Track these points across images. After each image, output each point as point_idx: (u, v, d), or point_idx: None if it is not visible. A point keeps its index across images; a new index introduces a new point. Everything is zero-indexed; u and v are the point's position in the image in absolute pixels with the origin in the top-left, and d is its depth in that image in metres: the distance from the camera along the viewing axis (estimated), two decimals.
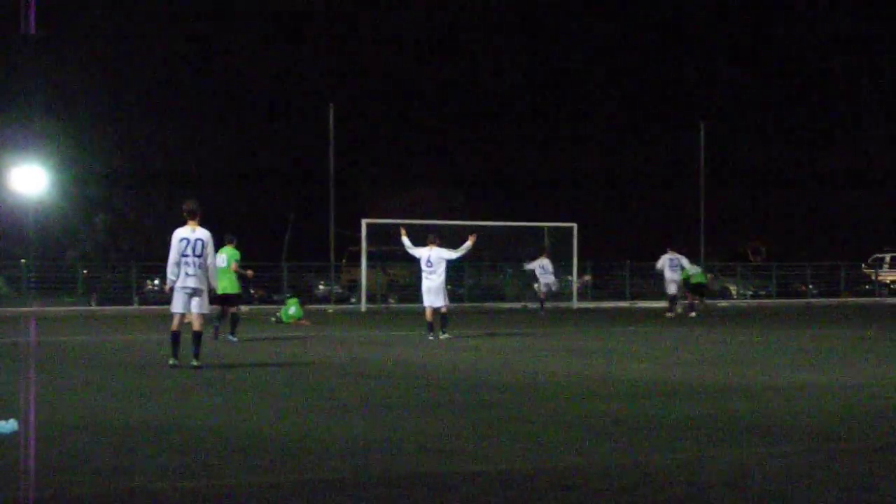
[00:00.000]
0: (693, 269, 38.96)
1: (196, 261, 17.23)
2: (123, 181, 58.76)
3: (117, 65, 66.57)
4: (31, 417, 11.23)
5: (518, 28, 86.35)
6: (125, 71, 67.05)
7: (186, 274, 17.22)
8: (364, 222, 43.64)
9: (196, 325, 17.36)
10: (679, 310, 37.90)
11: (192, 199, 17.59)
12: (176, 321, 17.32)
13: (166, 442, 10.33)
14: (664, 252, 38.09)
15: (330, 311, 41.55)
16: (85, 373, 16.98)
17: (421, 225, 48.29)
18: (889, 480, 8.83)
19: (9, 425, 10.65)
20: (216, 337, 23.75)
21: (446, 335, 24.71)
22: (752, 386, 15.08)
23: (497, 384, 15.33)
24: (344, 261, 50.57)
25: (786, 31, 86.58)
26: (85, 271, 48.75)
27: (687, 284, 38.72)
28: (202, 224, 17.48)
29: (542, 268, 40.45)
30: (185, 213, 17.49)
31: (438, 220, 50.65)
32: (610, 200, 76.61)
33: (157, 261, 48.81)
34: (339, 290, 48.81)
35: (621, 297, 51.07)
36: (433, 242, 25.68)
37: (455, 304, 45.47)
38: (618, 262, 54.06)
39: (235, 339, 23.77)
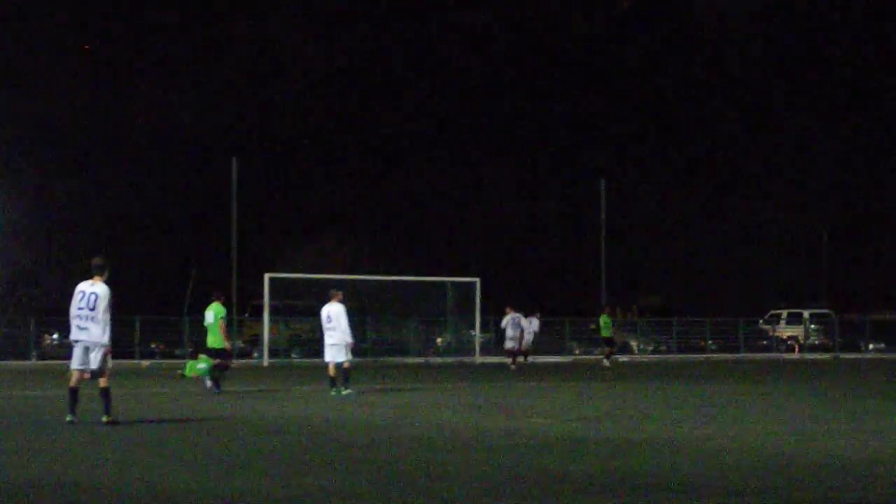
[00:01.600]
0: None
1: (89, 314, 17.03)
2: (21, 233, 57.88)
3: (14, 113, 65.71)
4: None
5: (423, 74, 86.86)
6: (22, 119, 66.20)
7: (79, 328, 17.07)
8: (267, 276, 43.43)
9: (102, 382, 17.09)
10: (515, 365, 40.33)
11: (100, 255, 17.55)
12: (74, 377, 17.08)
13: (60, 500, 10.15)
14: (533, 311, 44.17)
15: (233, 365, 41.11)
16: None
17: (325, 280, 48.25)
18: None
19: None
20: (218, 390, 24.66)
21: (348, 391, 24.61)
22: (653, 441, 15.19)
23: (399, 439, 15.28)
24: (247, 315, 50.21)
25: (685, 83, 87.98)
26: None
27: (601, 337, 43.40)
28: (108, 280, 17.34)
29: (513, 322, 41.84)
30: (92, 268, 17.37)
31: (343, 274, 50.63)
32: (513, 254, 77.05)
33: (56, 314, 48.15)
34: (242, 345, 48.41)
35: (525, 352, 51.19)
36: (335, 297, 25.65)
37: (358, 359, 45.36)
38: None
39: (218, 391, 24.62)
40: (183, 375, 31.44)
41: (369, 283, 49.98)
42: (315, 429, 16.93)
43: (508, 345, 41.56)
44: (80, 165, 69.39)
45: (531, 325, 43.38)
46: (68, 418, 16.97)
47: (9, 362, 42.54)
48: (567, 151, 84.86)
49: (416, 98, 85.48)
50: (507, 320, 41.86)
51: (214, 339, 25.37)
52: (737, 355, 54.30)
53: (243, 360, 44.51)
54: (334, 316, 25.32)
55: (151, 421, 17.98)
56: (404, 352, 49.44)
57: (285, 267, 53.37)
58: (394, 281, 49.75)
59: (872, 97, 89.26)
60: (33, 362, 43.07)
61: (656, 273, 77.93)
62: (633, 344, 56.37)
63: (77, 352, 17.11)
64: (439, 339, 52.24)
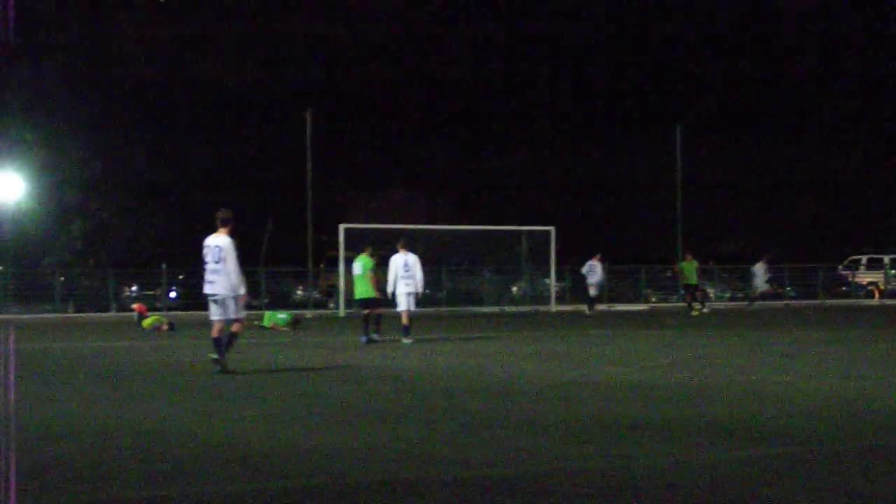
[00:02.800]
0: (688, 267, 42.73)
1: (215, 267, 17.51)
2: (100, 188, 58.54)
3: (94, 71, 66.31)
4: (10, 425, 11.21)
5: (495, 31, 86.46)
6: (102, 77, 66.78)
7: (208, 282, 17.66)
8: (342, 227, 43.61)
9: (214, 332, 17.69)
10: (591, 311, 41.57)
11: (225, 209, 17.86)
12: (215, 328, 17.70)
13: (145, 449, 10.32)
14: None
15: (308, 316, 41.49)
16: (64, 380, 16.93)
17: (399, 230, 48.41)
18: (870, 482, 8.87)
19: None
20: (368, 341, 25.03)
21: (409, 340, 24.99)
22: (729, 388, 15.12)
23: (475, 389, 15.34)
24: (322, 266, 50.52)
25: (767, 31, 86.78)
26: (62, 278, 48.58)
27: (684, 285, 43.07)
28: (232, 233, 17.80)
29: (590, 269, 42.50)
30: (217, 221, 17.82)
31: (417, 224, 50.78)
32: (587, 203, 76.73)
33: (134, 267, 48.83)
34: (318, 296, 48.75)
35: (599, 301, 51.12)
36: (404, 247, 25.86)
37: (433, 309, 45.52)
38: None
39: (379, 339, 25.20)
40: (261, 326, 31.93)
41: (444, 233, 50.04)
42: (392, 378, 17.04)
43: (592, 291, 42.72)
44: (156, 120, 69.94)
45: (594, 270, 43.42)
46: (211, 355, 17.60)
47: (90, 314, 43.21)
48: (643, 98, 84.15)
49: (489, 48, 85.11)
50: (587, 267, 43.03)
51: (364, 290, 25.79)
52: (816, 302, 53.77)
53: (320, 311, 44.82)
54: (412, 264, 25.69)
55: (234, 371, 18.14)
56: (480, 301, 49.52)
57: (359, 218, 53.51)
58: (469, 230, 49.75)
59: None
60: (113, 314, 43.71)
61: (734, 220, 77.30)
62: (710, 292, 55.96)
63: (212, 305, 17.68)
64: (514, 289, 52.23)
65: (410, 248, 26.17)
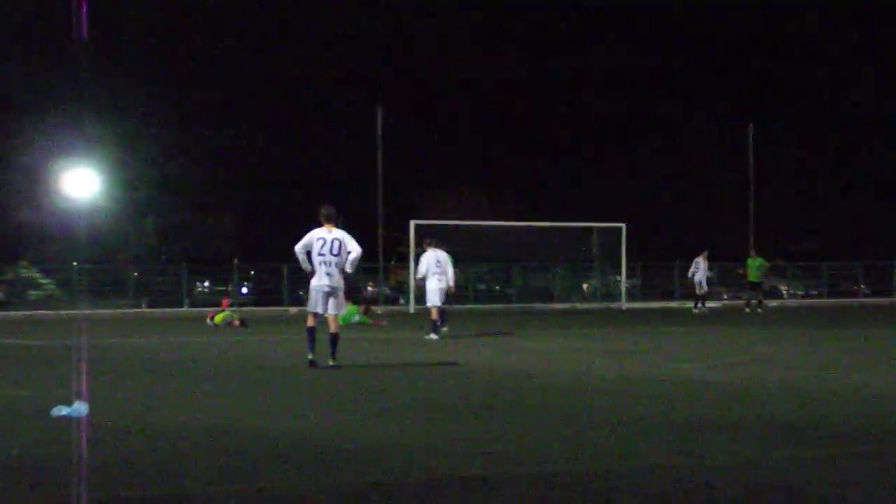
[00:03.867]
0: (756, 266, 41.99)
1: (333, 260, 17.62)
2: (172, 184, 59.13)
3: (167, 69, 67.00)
4: (84, 420, 11.32)
5: (562, 28, 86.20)
6: (175, 75, 67.46)
7: (327, 274, 17.64)
8: (412, 223, 43.66)
9: (332, 327, 17.79)
10: (697, 309, 40.37)
11: (329, 205, 18.12)
12: (311, 319, 17.76)
13: (217, 445, 10.37)
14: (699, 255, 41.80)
15: (379, 312, 41.61)
16: (136, 375, 17.08)
17: (469, 226, 48.40)
18: None
19: (80, 408, 11.01)
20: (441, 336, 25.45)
21: (434, 336, 25.31)
22: (803, 387, 14.95)
23: (544, 386, 15.28)
24: (393, 262, 50.66)
25: (832, 22, 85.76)
26: (135, 274, 49.12)
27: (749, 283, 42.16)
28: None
29: (696, 266, 41.64)
30: (321, 218, 18.02)
31: (485, 220, 50.68)
32: (657, 200, 76.24)
33: (206, 263, 49.28)
34: (389, 292, 48.90)
35: (670, 297, 50.85)
36: (431, 245, 26.46)
37: (503, 306, 45.49)
38: (666, 262, 53.84)
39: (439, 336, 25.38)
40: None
41: (514, 230, 49.99)
42: (464, 375, 17.02)
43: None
44: (228, 118, 70.48)
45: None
46: (309, 357, 17.63)
47: (163, 310, 43.65)
48: (715, 95, 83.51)
49: (557, 45, 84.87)
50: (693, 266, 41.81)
51: None
52: (891, 300, 53.06)
53: (391, 307, 44.94)
54: (444, 260, 26.19)
55: (300, 366, 18.19)
56: (550, 298, 49.40)
57: (429, 215, 53.59)
58: (539, 227, 49.65)
59: None
60: (186, 309, 44.11)
61: (808, 218, 76.45)
62: (783, 288, 55.45)
63: (317, 296, 17.69)
64: (585, 285, 52.07)
65: (439, 247, 26.54)
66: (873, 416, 12.24)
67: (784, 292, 55.24)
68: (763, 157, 62.87)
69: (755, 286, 42.12)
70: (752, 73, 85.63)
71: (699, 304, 40.75)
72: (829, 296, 54.25)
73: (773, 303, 49.69)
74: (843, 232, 73.80)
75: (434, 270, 26.04)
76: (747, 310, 40.75)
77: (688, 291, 49.99)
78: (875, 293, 55.52)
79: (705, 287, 41.03)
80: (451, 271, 26.30)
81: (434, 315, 25.88)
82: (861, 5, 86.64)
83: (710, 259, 42.39)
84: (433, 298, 26.01)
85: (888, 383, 15.48)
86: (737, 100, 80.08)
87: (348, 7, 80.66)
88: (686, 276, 43.75)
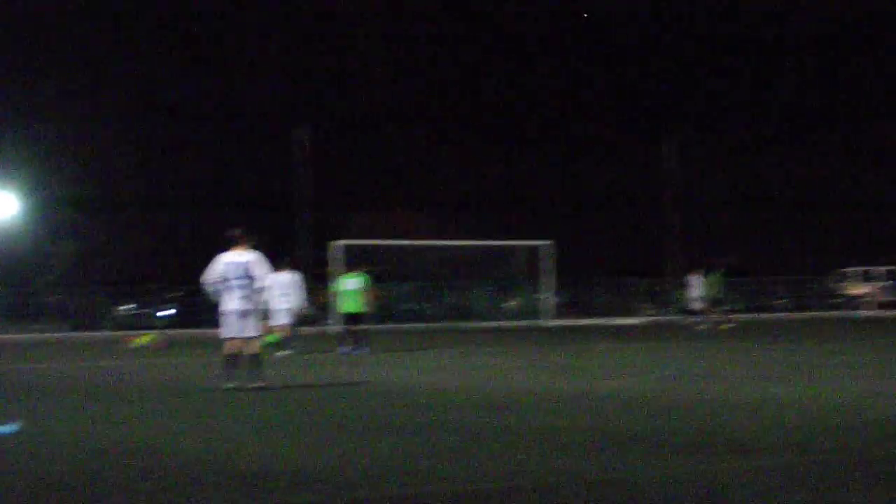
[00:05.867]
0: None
1: (246, 282, 17.60)
2: (91, 206, 58.53)
3: (85, 89, 66.34)
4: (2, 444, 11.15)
5: (490, 46, 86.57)
6: (93, 95, 66.81)
7: (241, 297, 17.58)
8: (335, 244, 43.54)
9: (252, 349, 17.71)
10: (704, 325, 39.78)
11: (237, 228, 18.06)
12: (229, 345, 17.67)
13: (140, 468, 10.24)
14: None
15: (303, 332, 41.38)
16: (55, 400, 16.83)
17: (396, 246, 48.40)
18: (860, 492, 8.83)
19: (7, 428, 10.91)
20: (353, 352, 27.26)
21: (286, 352, 26.59)
22: (724, 400, 15.08)
23: (474, 403, 15.28)
24: (318, 284, 50.44)
25: (753, 38, 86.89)
26: (54, 297, 48.47)
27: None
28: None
29: (687, 283, 41.68)
30: (230, 241, 17.91)
31: (412, 240, 50.74)
32: (579, 217, 76.72)
33: (127, 285, 48.74)
34: (313, 313, 48.65)
35: (595, 314, 51.15)
36: (286, 266, 27.42)
37: (427, 325, 45.50)
38: (590, 278, 54.28)
39: (347, 350, 27.27)
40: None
41: (440, 249, 50.06)
42: (389, 393, 16.97)
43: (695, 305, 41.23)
44: (148, 139, 69.96)
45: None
46: (231, 384, 17.43)
47: (83, 333, 43.11)
48: (636, 111, 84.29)
49: (480, 62, 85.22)
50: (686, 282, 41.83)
51: (353, 305, 28.59)
52: (809, 314, 53.77)
53: (316, 328, 44.72)
54: (294, 283, 27.53)
55: (218, 388, 18.05)
56: (476, 316, 49.48)
57: (357, 235, 53.49)
58: (465, 245, 49.77)
59: None
60: (106, 332, 43.60)
61: (730, 234, 77.31)
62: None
63: (233, 320, 17.57)
64: (511, 303, 52.22)
65: (293, 268, 27.95)
66: (789, 427, 12.37)
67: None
68: (684, 172, 63.61)
69: (717, 302, 41.65)
70: (673, 87, 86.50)
71: (699, 319, 40.44)
72: (749, 311, 54.84)
73: (694, 318, 50.12)
74: (765, 247, 74.73)
75: (282, 291, 26.76)
76: (722, 326, 40.18)
77: (609, 307, 50.38)
78: (794, 308, 56.24)
79: (702, 303, 40.86)
80: (298, 292, 27.59)
81: (281, 333, 26.90)
82: (779, 22, 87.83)
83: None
84: (279, 318, 26.87)
85: (804, 395, 15.67)
86: (657, 114, 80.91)
87: (276, 24, 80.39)
88: (612, 292, 44.10)
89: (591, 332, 39.23)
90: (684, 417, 13.33)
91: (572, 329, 41.75)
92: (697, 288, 40.59)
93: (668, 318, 50.59)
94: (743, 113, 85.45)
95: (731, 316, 41.51)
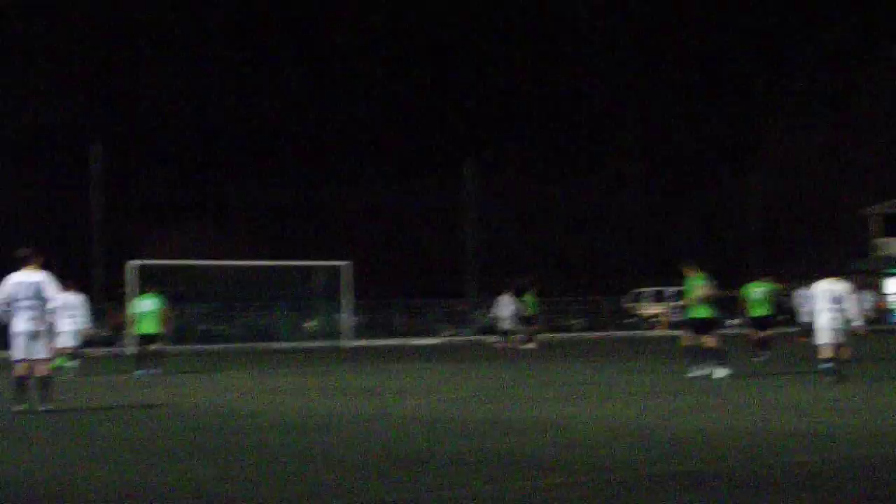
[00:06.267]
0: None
1: (35, 303, 17.09)
2: None
3: None
4: None
5: (291, 64, 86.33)
6: None
7: (30, 318, 17.06)
8: (130, 265, 42.76)
9: (41, 371, 17.21)
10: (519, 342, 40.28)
11: (26, 247, 17.49)
12: (18, 367, 17.14)
13: None
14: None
15: (90, 354, 40.54)
16: None
17: (192, 266, 47.74)
18: None
19: None
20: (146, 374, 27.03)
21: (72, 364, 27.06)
22: (520, 420, 15.34)
23: (270, 425, 15.22)
24: (112, 303, 49.41)
25: (549, 66, 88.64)
26: None
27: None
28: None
29: (497, 304, 41.47)
30: (20, 261, 17.36)
31: (209, 260, 50.16)
32: (378, 237, 77.02)
33: None
34: (106, 334, 47.64)
35: (394, 335, 51.37)
36: (71, 288, 27.24)
37: (225, 346, 45.00)
38: (390, 299, 54.53)
39: (143, 373, 27.21)
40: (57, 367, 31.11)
41: (239, 269, 49.59)
42: (184, 416, 16.77)
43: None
44: None
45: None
46: (20, 407, 16.94)
47: None
48: (436, 135, 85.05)
49: (280, 82, 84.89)
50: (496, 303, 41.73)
51: (148, 326, 28.39)
52: (603, 334, 55.00)
53: (108, 349, 43.79)
54: (80, 304, 27.76)
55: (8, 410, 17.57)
56: (274, 337, 49.13)
57: (152, 255, 52.65)
58: (262, 266, 49.43)
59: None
60: None
61: (528, 254, 78.56)
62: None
63: (22, 342, 17.06)
64: (308, 324, 52.02)
65: (78, 289, 28.02)
66: (585, 446, 12.67)
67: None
68: (482, 195, 64.47)
69: (530, 320, 42.01)
70: (472, 113, 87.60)
71: (503, 337, 40.54)
72: (548, 331, 55.77)
73: (493, 338, 50.76)
74: (561, 268, 76.15)
75: (69, 313, 26.51)
76: (530, 345, 40.39)
77: (407, 328, 50.59)
78: (588, 328, 57.44)
79: (511, 323, 40.88)
80: (85, 314, 27.82)
81: (68, 351, 27.08)
82: (563, 46, 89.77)
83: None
84: (64, 340, 26.45)
85: (598, 414, 16.05)
86: (456, 139, 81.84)
87: (74, 41, 78.59)
88: (412, 312, 44.28)
89: (390, 352, 39.37)
90: (479, 437, 13.51)
91: (372, 350, 41.84)
92: (507, 308, 40.90)
93: (467, 338, 51.14)
94: (539, 139, 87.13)
95: (537, 336, 42.06)
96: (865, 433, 13.31)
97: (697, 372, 22.72)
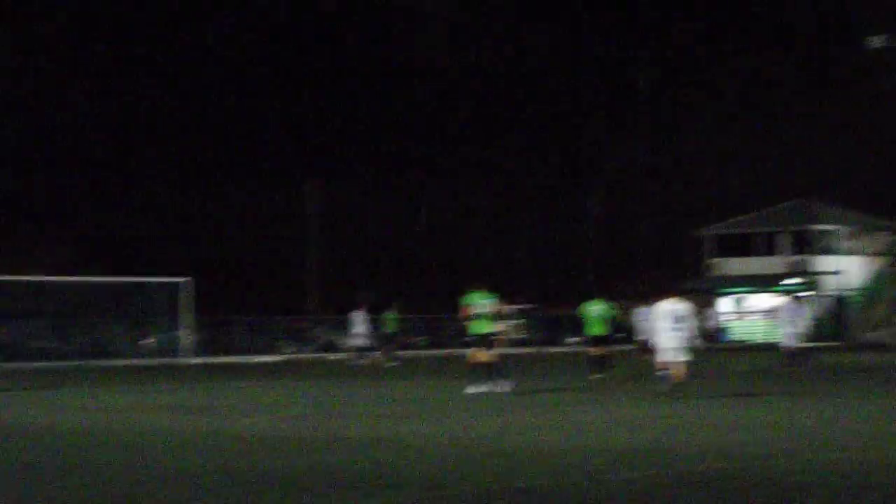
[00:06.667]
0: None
1: None
2: None
3: None
4: None
5: (131, 75, 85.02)
6: None
7: None
8: None
9: None
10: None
11: None
12: None
13: None
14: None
15: None
16: None
17: (23, 282, 46.51)
18: None
19: None
20: None
21: None
22: (357, 437, 15.27)
23: (99, 443, 14.89)
24: None
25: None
26: None
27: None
28: None
29: (350, 320, 40.77)
30: None
31: (43, 276, 48.99)
32: (219, 254, 76.19)
33: None
34: None
35: (235, 352, 50.72)
36: None
37: (59, 363, 43.94)
38: (231, 316, 53.93)
39: None
40: None
41: (74, 285, 48.52)
42: (14, 434, 16.29)
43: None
44: None
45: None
46: None
47: None
48: (278, 151, 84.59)
49: (112, 94, 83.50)
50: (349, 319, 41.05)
51: None
52: (446, 351, 55.12)
53: None
54: None
55: None
56: (111, 354, 48.11)
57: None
58: (98, 282, 48.45)
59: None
60: None
61: (371, 272, 78.50)
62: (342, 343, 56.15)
63: None
64: (146, 340, 51.07)
65: None
66: (421, 464, 12.65)
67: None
68: (324, 213, 64.27)
69: (390, 337, 41.57)
70: (315, 129, 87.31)
71: (360, 354, 40.05)
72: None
73: (332, 357, 50.55)
74: (403, 285, 76.22)
75: None
76: (392, 363, 39.92)
77: (250, 346, 49.98)
78: (433, 345, 57.51)
79: (365, 340, 40.41)
80: None
81: None
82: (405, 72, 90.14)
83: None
84: None
85: (436, 432, 16.05)
86: (296, 151, 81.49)
87: None
88: (253, 329, 43.69)
89: (230, 370, 38.91)
90: (314, 455, 13.40)
91: (211, 367, 41.27)
92: (361, 325, 40.51)
93: (308, 355, 50.83)
94: (381, 155, 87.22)
95: (395, 353, 41.62)
96: (699, 449, 13.55)
97: (477, 389, 23.11)
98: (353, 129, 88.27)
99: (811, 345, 32.07)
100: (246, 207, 79.45)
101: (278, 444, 14.55)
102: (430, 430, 16.38)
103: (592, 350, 29.86)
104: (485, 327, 23.84)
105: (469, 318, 23.92)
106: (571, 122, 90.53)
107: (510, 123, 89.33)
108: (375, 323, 41.47)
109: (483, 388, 23.11)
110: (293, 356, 51.14)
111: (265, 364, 44.45)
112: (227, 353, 50.48)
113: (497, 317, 24.17)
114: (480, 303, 23.94)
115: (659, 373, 21.85)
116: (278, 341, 54.09)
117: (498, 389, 23.17)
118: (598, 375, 28.66)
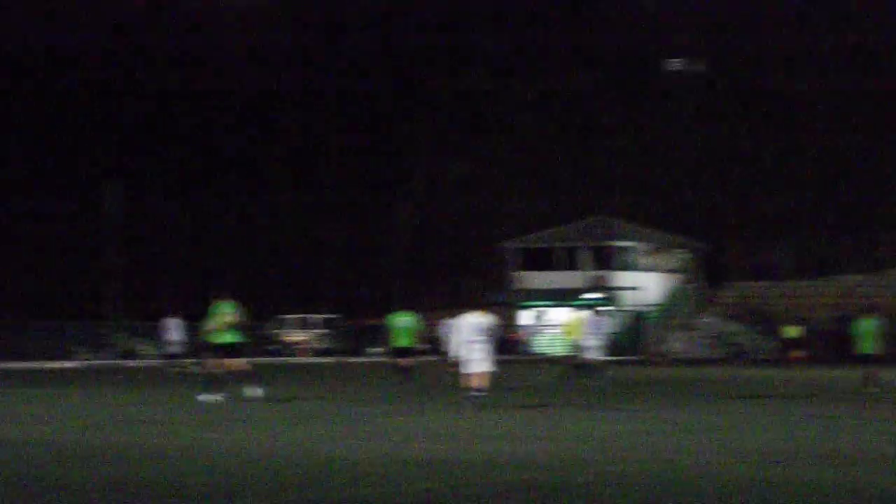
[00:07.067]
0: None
1: None
2: None
3: None
4: None
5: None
6: None
7: None
8: None
9: None
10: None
11: None
12: None
13: None
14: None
15: None
16: None
17: None
18: None
19: None
20: None
21: None
22: (160, 446, 14.99)
23: None
24: None
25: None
26: None
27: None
28: None
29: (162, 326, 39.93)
30: None
31: None
32: (14, 258, 74.11)
33: None
34: None
35: (28, 358, 49.36)
36: None
37: None
38: (24, 320, 52.52)
39: None
40: None
41: None
42: None
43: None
44: None
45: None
46: None
47: None
48: (73, 154, 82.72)
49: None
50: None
51: None
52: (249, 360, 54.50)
53: None
54: None
55: None
56: None
57: None
58: None
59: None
60: None
61: (173, 276, 77.31)
62: (143, 350, 55.22)
63: None
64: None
65: None
66: (219, 472, 12.46)
67: (144, 353, 55.11)
68: (127, 216, 63.09)
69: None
70: (119, 134, 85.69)
71: (173, 361, 39.24)
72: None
73: (131, 363, 49.56)
74: (203, 290, 75.21)
75: None
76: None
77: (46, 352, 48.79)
78: (322, 355, 56.87)
79: (180, 347, 39.49)
80: None
81: None
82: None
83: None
84: None
85: (238, 441, 15.86)
86: (95, 155, 79.87)
87: None
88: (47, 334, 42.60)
89: (22, 376, 37.82)
90: (109, 465, 13.11)
91: (2, 373, 40.02)
92: (174, 331, 39.66)
93: (106, 362, 49.76)
94: (183, 160, 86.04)
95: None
96: (500, 460, 13.63)
97: (210, 397, 23.35)
98: (155, 130, 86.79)
99: (609, 358, 32.71)
100: (42, 208, 77.39)
101: (79, 454, 14.20)
102: (230, 438, 16.15)
103: (400, 361, 29.94)
104: (229, 337, 23.84)
105: (214, 328, 23.93)
106: (382, 131, 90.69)
107: (323, 130, 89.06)
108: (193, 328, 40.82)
109: (219, 397, 23.17)
110: (88, 362, 49.97)
111: (59, 370, 43.37)
112: (19, 358, 49.10)
113: (240, 326, 24.21)
114: (225, 312, 24.01)
115: (469, 394, 22.18)
116: (74, 347, 52.84)
117: (251, 395, 23.67)
118: (402, 384, 28.78)
